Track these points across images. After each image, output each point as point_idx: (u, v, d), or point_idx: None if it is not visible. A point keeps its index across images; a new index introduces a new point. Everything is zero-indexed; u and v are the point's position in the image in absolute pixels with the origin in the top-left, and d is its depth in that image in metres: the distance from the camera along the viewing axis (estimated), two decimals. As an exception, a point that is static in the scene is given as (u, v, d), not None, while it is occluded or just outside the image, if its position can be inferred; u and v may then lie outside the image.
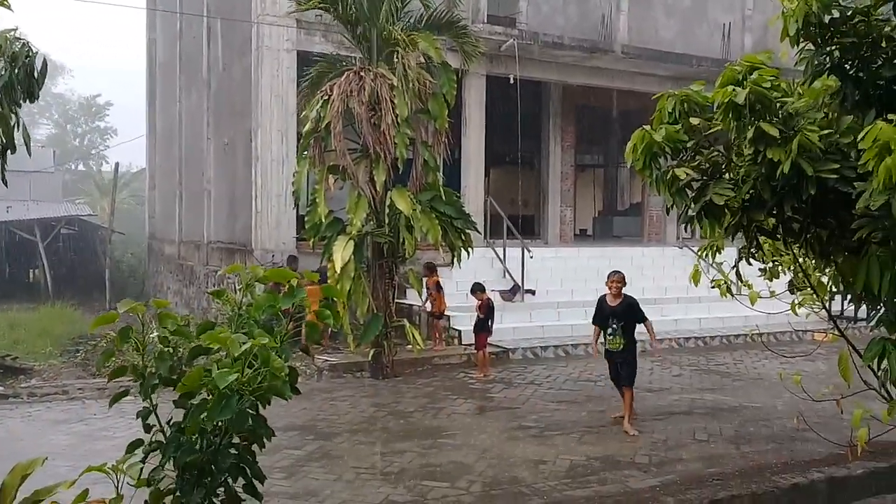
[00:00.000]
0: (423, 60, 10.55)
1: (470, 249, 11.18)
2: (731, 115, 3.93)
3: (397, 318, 11.17)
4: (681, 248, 18.58)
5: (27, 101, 4.01)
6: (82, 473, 3.37)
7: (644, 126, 4.54)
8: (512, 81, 15.63)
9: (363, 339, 10.42)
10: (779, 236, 4.41)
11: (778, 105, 3.94)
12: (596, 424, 8.43)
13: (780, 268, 6.45)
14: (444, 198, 10.87)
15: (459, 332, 12.98)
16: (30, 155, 4.02)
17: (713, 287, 6.80)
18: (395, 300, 11.43)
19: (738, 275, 6.58)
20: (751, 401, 9.68)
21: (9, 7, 2.22)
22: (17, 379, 11.56)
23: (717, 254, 5.81)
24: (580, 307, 14.80)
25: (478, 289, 11.36)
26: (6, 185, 3.95)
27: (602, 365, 11.87)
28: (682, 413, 9.04)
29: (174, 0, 22.53)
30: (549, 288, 15.28)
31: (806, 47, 4.22)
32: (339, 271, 9.84)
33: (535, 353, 12.74)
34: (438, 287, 12.69)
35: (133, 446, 3.62)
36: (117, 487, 3.45)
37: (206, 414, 3.14)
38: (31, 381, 11.30)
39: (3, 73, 3.80)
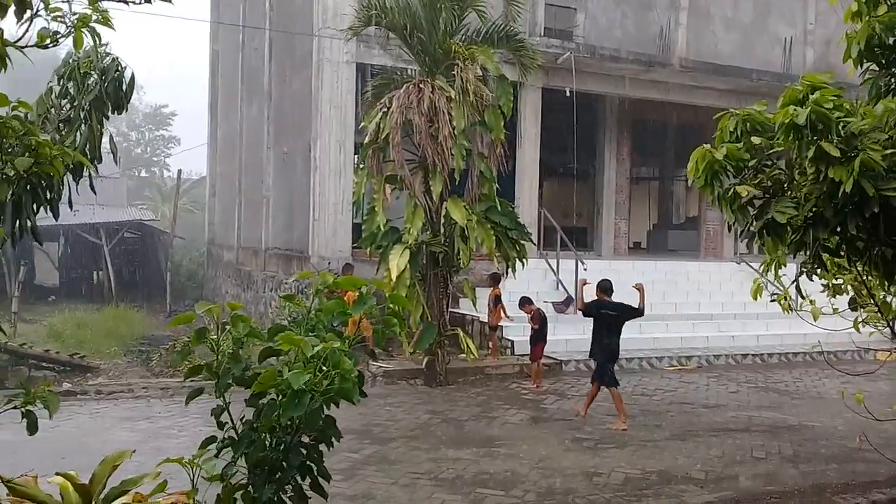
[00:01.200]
0: (480, 73, 10.68)
1: (524, 260, 11.25)
2: (791, 135, 3.93)
3: (451, 327, 11.30)
4: (738, 263, 18.29)
5: (115, 113, 4.21)
6: (159, 465, 3.55)
7: (705, 144, 4.57)
8: (568, 94, 15.65)
9: (418, 347, 10.55)
10: (842, 254, 4.38)
11: (840, 125, 3.93)
12: (651, 438, 8.39)
13: (842, 285, 6.36)
14: (499, 208, 10.98)
15: (512, 342, 13.02)
16: (117, 165, 4.23)
17: (772, 301, 6.73)
18: (449, 309, 11.55)
19: (798, 290, 6.51)
20: (810, 419, 9.52)
21: (112, 27, 2.40)
22: (85, 377, 12.01)
23: (779, 268, 5.75)
24: (634, 321, 14.69)
25: (525, 302, 11.42)
26: (94, 193, 4.17)
27: (659, 381, 11.87)
28: (740, 430, 8.94)
29: (237, 13, 23.16)
30: (603, 301, 15.18)
31: (870, 68, 4.21)
32: (394, 279, 10.00)
33: (588, 365, 12.61)
34: (497, 300, 12.75)
35: (207, 442, 3.77)
36: (192, 480, 3.61)
37: (279, 411, 3.28)
38: (98, 379, 11.73)
39: (93, 86, 4.01)
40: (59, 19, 2.33)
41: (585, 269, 14.81)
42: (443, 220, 10.50)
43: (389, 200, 10.86)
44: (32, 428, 2.84)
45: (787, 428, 9.09)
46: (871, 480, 7.06)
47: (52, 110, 3.71)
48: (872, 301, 5.70)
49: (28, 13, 2.23)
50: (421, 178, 10.57)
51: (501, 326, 13.07)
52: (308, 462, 3.61)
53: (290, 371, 3.36)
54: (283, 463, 3.49)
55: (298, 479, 3.59)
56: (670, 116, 20.24)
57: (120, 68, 4.12)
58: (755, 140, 4.36)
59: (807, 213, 4.10)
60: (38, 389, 2.87)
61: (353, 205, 11.33)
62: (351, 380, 3.37)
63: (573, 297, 14.95)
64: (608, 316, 9.09)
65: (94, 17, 2.33)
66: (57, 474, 2.93)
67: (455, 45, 10.46)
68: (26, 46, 2.35)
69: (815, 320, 5.89)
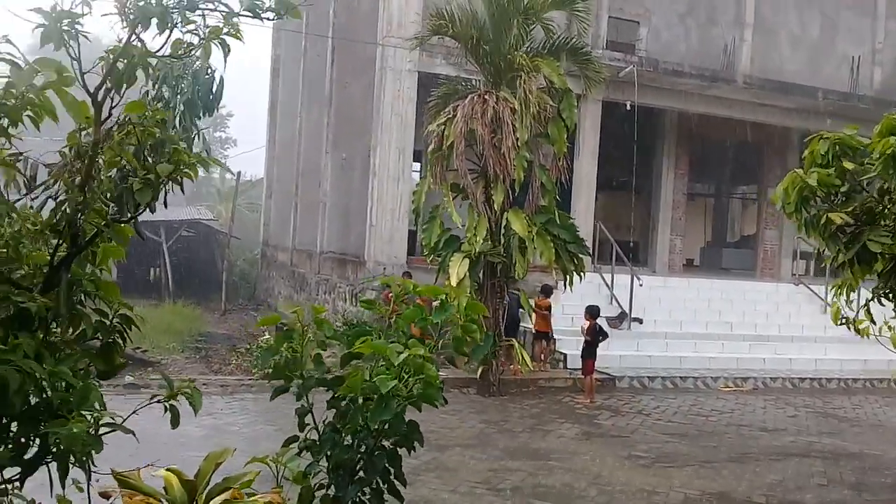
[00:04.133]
0: (544, 85, 10.72)
1: (582, 274, 11.23)
2: (892, 165, 3.88)
3: (506, 337, 11.32)
4: (797, 284, 17.94)
5: (206, 115, 4.36)
6: (248, 464, 3.67)
7: (796, 169, 4.53)
8: (629, 108, 15.56)
9: (476, 357, 10.56)
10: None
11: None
12: (710, 460, 8.28)
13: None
14: (558, 221, 10.98)
15: (565, 355, 12.97)
16: (208, 169, 4.35)
17: (842, 325, 6.60)
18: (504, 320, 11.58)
19: (868, 315, 6.41)
20: (872, 447, 9.30)
21: (242, 39, 2.51)
22: (146, 370, 12.31)
23: (851, 292, 5.66)
24: (689, 339, 14.58)
25: (589, 312, 11.37)
26: (183, 192, 4.32)
27: (714, 401, 11.72)
28: (799, 455, 8.77)
29: (301, 20, 23.55)
30: (657, 317, 15.06)
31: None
32: (455, 287, 10.06)
33: (642, 382, 12.59)
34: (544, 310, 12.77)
35: (289, 441, 3.87)
36: (277, 478, 3.72)
37: (368, 414, 3.36)
38: (159, 374, 11.98)
39: (186, 90, 4.16)
40: (192, 32, 2.46)
41: (641, 285, 14.72)
42: (503, 231, 10.54)
43: (452, 209, 10.93)
44: (175, 422, 2.98)
45: (848, 455, 8.89)
46: (941, 514, 6.88)
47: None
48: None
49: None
50: (482, 187, 10.63)
51: (554, 338, 13.03)
52: (389, 465, 3.69)
53: (376, 376, 3.45)
54: (369, 465, 3.57)
55: (379, 481, 3.67)
56: (728, 133, 19.94)
57: (210, 72, 4.26)
58: (848, 165, 4.30)
59: (901, 243, 4.05)
60: (182, 385, 3.00)
61: (413, 212, 11.41)
62: (436, 386, 3.45)
63: (627, 312, 14.87)
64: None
65: (224, 30, 2.46)
66: (168, 470, 3.06)
67: (521, 57, 10.51)
68: (162, 57, 2.48)
69: (895, 346, 5.77)
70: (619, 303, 15.09)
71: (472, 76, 12.75)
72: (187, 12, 2.36)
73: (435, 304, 3.85)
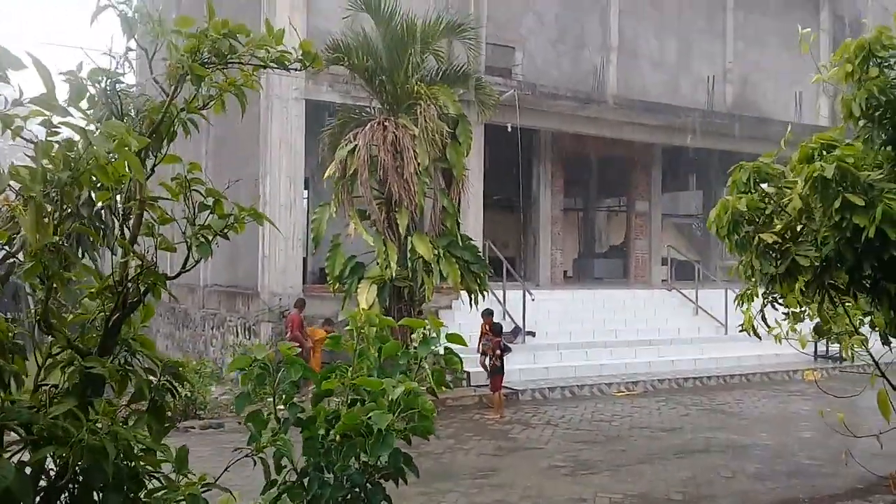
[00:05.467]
0: (441, 111, 11.01)
1: (485, 293, 11.54)
2: (817, 188, 4.39)
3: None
4: (669, 290, 19.14)
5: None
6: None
7: (727, 197, 5.02)
8: (510, 130, 16.15)
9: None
10: (841, 289, 4.85)
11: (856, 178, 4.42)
12: (623, 463, 8.73)
13: (805, 313, 6.90)
14: (460, 243, 11.25)
15: (468, 373, 13.21)
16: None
17: (741, 331, 7.20)
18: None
19: (763, 319, 7.04)
20: (760, 439, 10.09)
21: (257, 89, 2.51)
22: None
23: (752, 300, 6.23)
24: (580, 348, 15.24)
25: (496, 331, 11.68)
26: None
27: (612, 406, 12.30)
28: (700, 451, 9.41)
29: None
30: (548, 329, 15.64)
31: (864, 124, 4.74)
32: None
33: (543, 394, 13.04)
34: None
35: (270, 486, 3.83)
36: (267, 525, 3.67)
37: (367, 450, 3.41)
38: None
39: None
40: (214, 84, 2.46)
41: (533, 300, 15.25)
42: (409, 255, 10.69)
43: (353, 236, 10.97)
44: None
45: (742, 447, 9.62)
46: (834, 493, 7.61)
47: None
48: (853, 326, 6.23)
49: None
50: (386, 212, 10.75)
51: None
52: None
53: (369, 412, 3.50)
54: (364, 502, 3.60)
55: (370, 515, 3.70)
56: (594, 149, 21.08)
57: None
58: (769, 190, 4.80)
59: (824, 255, 4.55)
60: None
61: (313, 240, 11.35)
62: (431, 418, 3.55)
63: (520, 326, 15.36)
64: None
65: (239, 81, 2.47)
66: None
67: (418, 85, 10.75)
68: (196, 111, 2.46)
69: (802, 347, 6.40)
70: (512, 318, 15.55)
71: (359, 103, 12.85)
72: (220, 67, 2.37)
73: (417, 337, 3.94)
